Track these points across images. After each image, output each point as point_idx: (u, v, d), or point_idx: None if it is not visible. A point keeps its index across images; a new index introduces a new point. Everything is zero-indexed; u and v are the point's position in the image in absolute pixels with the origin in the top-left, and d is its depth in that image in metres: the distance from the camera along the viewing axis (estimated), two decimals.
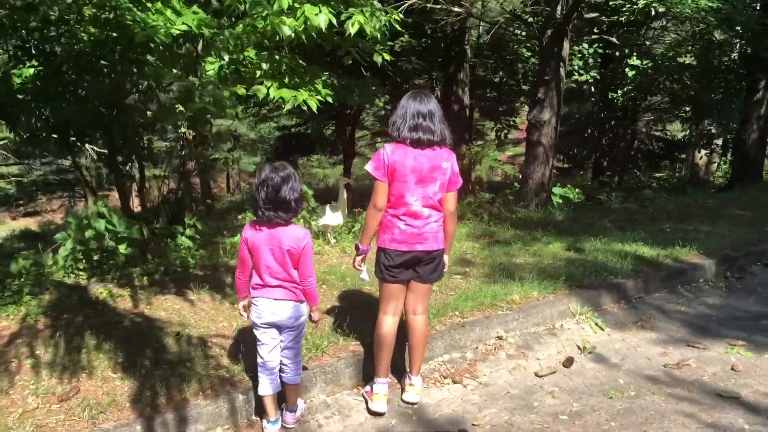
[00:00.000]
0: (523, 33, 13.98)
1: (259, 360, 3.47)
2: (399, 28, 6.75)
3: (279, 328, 3.43)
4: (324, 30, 5.45)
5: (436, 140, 3.65)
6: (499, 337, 4.84)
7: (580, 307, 5.36)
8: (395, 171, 3.62)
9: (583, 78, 14.97)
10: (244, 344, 4.14)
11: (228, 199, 27.62)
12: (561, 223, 8.63)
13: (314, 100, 5.86)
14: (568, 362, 4.63)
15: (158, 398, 3.51)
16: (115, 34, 5.56)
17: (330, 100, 6.05)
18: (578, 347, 4.85)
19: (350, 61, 6.30)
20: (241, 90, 5.75)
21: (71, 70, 5.71)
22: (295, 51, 6.64)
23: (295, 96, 5.73)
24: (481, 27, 15.27)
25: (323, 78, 6.62)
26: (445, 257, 3.91)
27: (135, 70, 5.62)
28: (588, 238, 7.38)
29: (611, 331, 5.23)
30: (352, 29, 5.46)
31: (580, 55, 14.66)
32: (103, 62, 5.63)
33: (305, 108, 5.79)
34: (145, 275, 5.34)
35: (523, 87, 16.68)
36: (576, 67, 14.88)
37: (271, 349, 3.46)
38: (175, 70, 5.70)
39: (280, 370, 3.54)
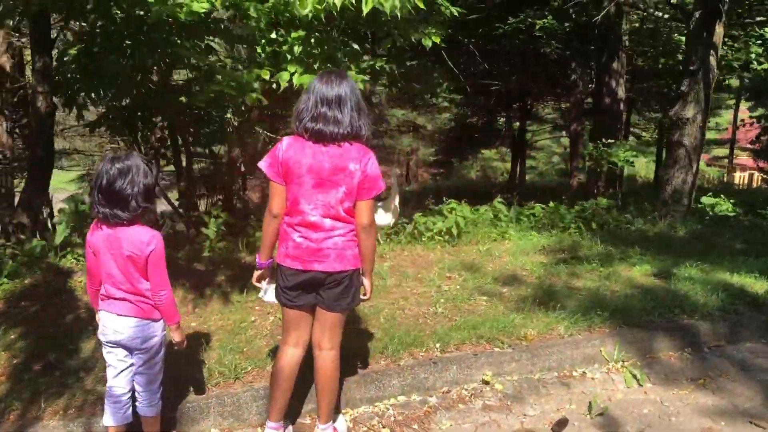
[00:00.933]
0: (666, 15, 12.05)
1: (107, 384, 2.92)
2: (454, 12, 5.88)
3: (127, 348, 2.84)
4: (338, 9, 4.77)
5: (341, 133, 2.86)
6: (485, 381, 3.88)
7: (618, 351, 4.21)
8: (289, 170, 2.90)
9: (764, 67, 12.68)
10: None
11: (405, 189, 27.52)
12: (675, 241, 7.18)
13: None
14: (559, 425, 3.57)
15: (9, 413, 3.09)
16: (140, 12, 5.28)
17: (361, 86, 5.31)
18: (589, 405, 3.73)
19: (389, 45, 5.55)
20: (264, 73, 5.24)
21: (105, 48, 5.53)
22: (342, 32, 6.01)
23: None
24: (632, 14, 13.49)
25: (364, 63, 5.94)
26: (365, 281, 3.09)
27: (154, 49, 5.28)
28: (693, 262, 6.02)
29: (652, 388, 4.04)
30: (365, 7, 4.71)
31: (760, 41, 12.41)
32: (128, 42, 5.37)
33: None
34: None
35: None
36: (754, 55, 12.64)
37: (117, 373, 2.91)
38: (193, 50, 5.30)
39: (134, 399, 2.95)
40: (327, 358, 3.09)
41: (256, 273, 3.14)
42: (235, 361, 3.69)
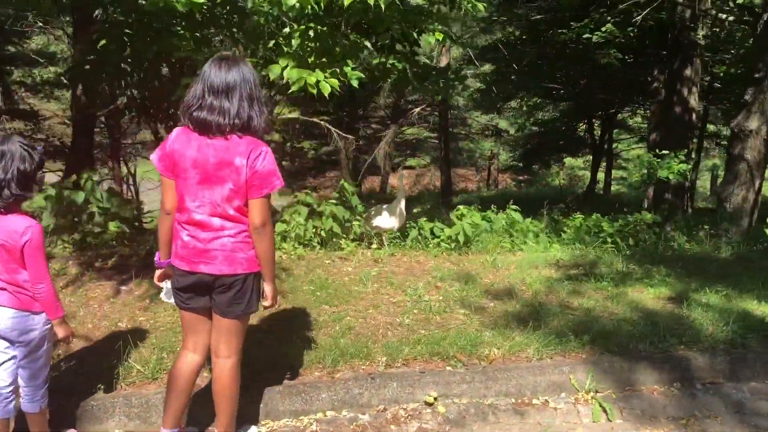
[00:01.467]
0: (731, 18, 11.11)
1: None
2: (479, 7, 5.56)
3: (7, 340, 2.74)
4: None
5: (228, 124, 2.65)
6: (427, 403, 3.58)
7: (591, 380, 3.82)
8: (175, 163, 2.73)
9: None
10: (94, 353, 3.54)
11: (478, 194, 27.06)
12: (711, 263, 6.57)
13: (330, 83, 4.99)
14: None
15: None
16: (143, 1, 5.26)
17: (355, 84, 5.11)
18: None
19: (387, 41, 5.29)
20: (255, 62, 5.11)
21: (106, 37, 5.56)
22: (352, 28, 5.81)
23: (303, 77, 4.91)
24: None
25: (375, 60, 5.70)
26: (266, 287, 2.87)
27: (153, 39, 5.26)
28: (720, 287, 5.44)
29: (621, 424, 3.64)
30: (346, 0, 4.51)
31: None
32: (127, 30, 5.37)
33: (314, 91, 4.93)
34: (112, 257, 5.01)
35: None
36: None
37: None
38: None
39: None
40: (224, 367, 2.89)
41: (157, 272, 2.97)
42: (160, 360, 3.54)
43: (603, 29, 11.43)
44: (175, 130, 2.78)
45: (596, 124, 24.21)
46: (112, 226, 5.28)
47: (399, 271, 5.57)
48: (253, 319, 4.24)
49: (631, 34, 11.60)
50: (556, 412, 3.69)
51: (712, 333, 4.46)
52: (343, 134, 27.08)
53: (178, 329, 4.01)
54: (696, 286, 5.56)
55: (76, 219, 5.15)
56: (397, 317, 4.45)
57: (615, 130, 24.68)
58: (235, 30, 5.58)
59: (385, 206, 6.30)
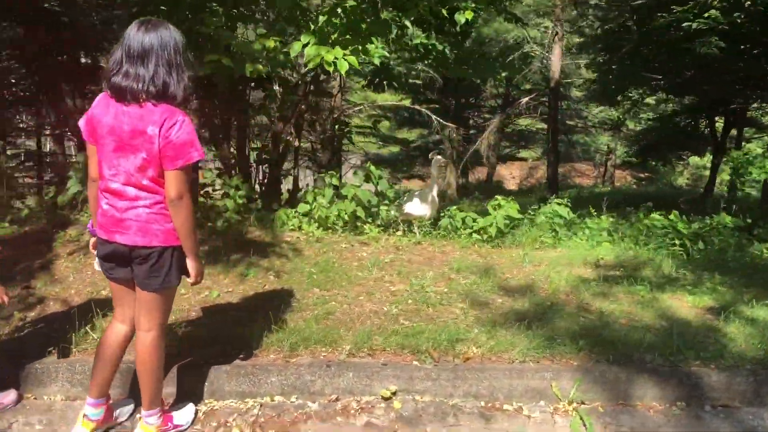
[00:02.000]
0: None
1: None
2: None
3: None
4: None
5: (141, 90, 2.58)
6: (384, 397, 3.39)
7: (576, 390, 3.48)
8: (94, 130, 2.68)
9: None
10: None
11: (589, 190, 26.03)
12: None
13: (349, 61, 4.85)
14: None
15: None
16: None
17: (377, 62, 4.94)
18: None
19: (412, 17, 5.06)
20: (270, 43, 5.03)
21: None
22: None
23: (320, 54, 4.79)
24: None
25: (417, 40, 5.48)
26: (189, 263, 2.78)
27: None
28: None
29: None
30: None
31: None
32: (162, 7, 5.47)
33: (330, 69, 4.81)
34: None
35: None
36: None
37: None
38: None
39: None
40: (144, 341, 2.84)
41: (91, 240, 2.95)
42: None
43: (705, 15, 10.50)
44: (99, 96, 2.72)
45: (719, 120, 22.45)
46: None
47: (416, 260, 5.34)
48: (232, 297, 4.19)
49: (738, 21, 10.54)
50: (529, 420, 3.37)
51: (742, 350, 3.94)
52: (444, 122, 26.77)
53: None
54: (749, 297, 4.95)
55: None
56: (386, 306, 4.24)
57: (745, 128, 22.71)
58: (265, 6, 5.52)
59: (417, 192, 6.07)
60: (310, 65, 4.96)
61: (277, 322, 3.79)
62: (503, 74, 6.43)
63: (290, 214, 5.80)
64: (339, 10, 5.21)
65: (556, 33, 21.49)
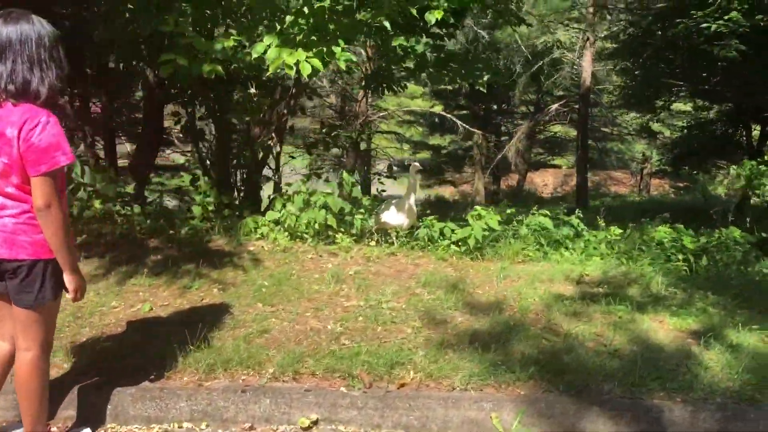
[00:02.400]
0: None
1: None
2: None
3: None
4: None
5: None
6: (304, 427, 3.12)
7: (519, 422, 3.18)
8: None
9: None
10: None
11: (622, 199, 25.39)
12: None
13: (312, 63, 4.60)
14: None
15: None
16: None
17: (342, 66, 4.68)
18: None
19: (380, 18, 4.78)
20: (229, 43, 4.81)
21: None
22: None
23: (281, 57, 4.56)
24: None
25: (414, 42, 5.21)
26: (66, 278, 2.54)
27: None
28: None
29: None
30: None
31: None
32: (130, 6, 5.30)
33: (291, 72, 4.57)
34: (81, 235, 4.96)
35: None
36: None
37: None
38: None
39: None
40: (21, 361, 2.62)
41: None
42: None
43: (726, 17, 9.98)
44: None
45: (756, 128, 21.59)
46: (97, 204, 5.23)
47: (384, 272, 5.05)
48: (165, 311, 3.96)
49: (761, 24, 10.00)
50: None
51: (716, 380, 3.58)
52: (471, 129, 26.47)
53: (81, 314, 3.83)
54: (740, 320, 4.56)
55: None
56: (331, 323, 3.97)
57: None
58: (234, 7, 5.31)
59: (394, 201, 5.78)
60: (271, 68, 4.72)
61: (200, 340, 3.54)
62: (485, 78, 6.12)
63: (260, 222, 5.57)
64: (306, 10, 4.96)
65: (587, 38, 20.99)
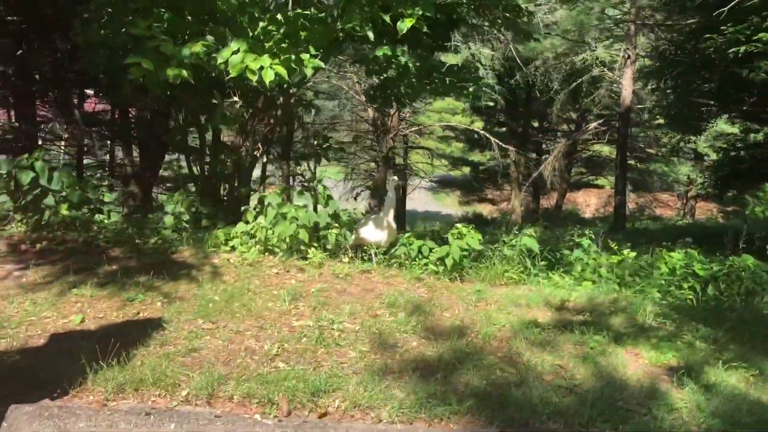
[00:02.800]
0: None
1: None
2: None
3: None
4: None
5: None
6: None
7: None
8: None
9: None
10: None
11: (662, 223, 24.71)
12: None
13: (277, 71, 4.44)
14: None
15: None
16: None
17: (309, 72, 4.51)
18: None
19: (350, 24, 4.58)
20: (196, 47, 4.67)
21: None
22: None
23: (244, 63, 4.41)
24: None
25: (381, 52, 5.02)
26: None
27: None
28: (764, 368, 4.08)
29: None
30: None
31: None
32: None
33: (253, 78, 4.41)
34: (42, 241, 4.86)
35: None
36: None
37: None
38: None
39: None
40: None
41: None
42: None
43: (755, 37, 9.47)
44: None
45: None
46: (63, 209, 5.14)
47: (350, 291, 4.83)
48: (97, 324, 3.81)
49: None
50: None
51: (678, 425, 3.25)
52: (505, 146, 26.07)
53: (8, 323, 3.70)
54: (727, 357, 4.19)
55: (26, 199, 5.08)
56: (270, 344, 3.76)
57: None
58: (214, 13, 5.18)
59: (372, 216, 5.55)
60: (233, 72, 4.57)
61: (118, 356, 3.36)
62: (471, 91, 5.87)
63: (233, 234, 5.40)
64: (280, 17, 4.80)
65: (628, 56, 20.49)
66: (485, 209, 33.82)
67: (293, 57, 4.65)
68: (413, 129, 26.06)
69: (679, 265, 6.47)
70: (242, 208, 5.51)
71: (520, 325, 4.45)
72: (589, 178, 33.81)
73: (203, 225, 5.83)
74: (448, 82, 5.90)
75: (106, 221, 5.53)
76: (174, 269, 4.83)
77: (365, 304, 4.61)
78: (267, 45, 4.76)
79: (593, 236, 7.54)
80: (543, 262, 6.87)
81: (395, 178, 5.49)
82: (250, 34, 4.88)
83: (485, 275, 5.45)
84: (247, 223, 5.41)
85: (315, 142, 6.91)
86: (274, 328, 3.98)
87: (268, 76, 4.49)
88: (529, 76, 23.44)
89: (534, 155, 30.68)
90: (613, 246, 7.29)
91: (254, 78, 4.52)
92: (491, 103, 28.05)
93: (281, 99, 6.41)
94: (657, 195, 35.99)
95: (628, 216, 28.86)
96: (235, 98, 6.05)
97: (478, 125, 30.65)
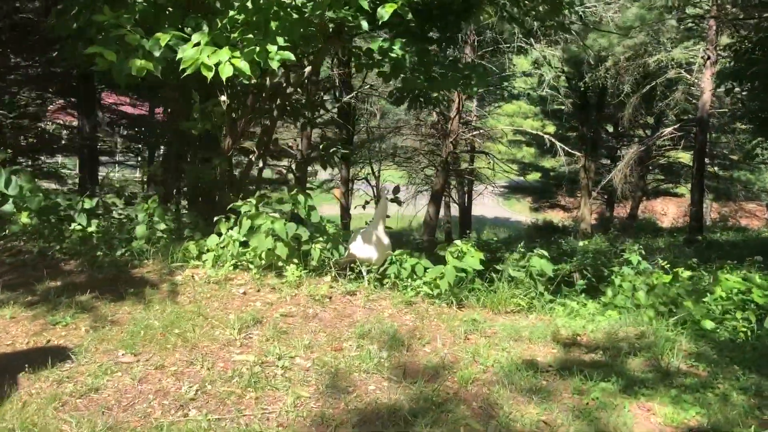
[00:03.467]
0: None
1: None
2: None
3: None
4: None
5: None
6: None
7: None
8: None
9: None
10: None
11: (744, 236, 23.21)
12: None
13: (236, 65, 3.90)
14: None
15: None
16: None
17: (274, 66, 3.94)
18: None
19: (320, 11, 3.97)
20: (164, 38, 4.17)
21: None
22: None
23: (198, 58, 3.89)
24: None
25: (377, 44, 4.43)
26: None
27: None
28: None
29: None
30: None
31: None
32: None
33: (209, 75, 3.88)
34: None
35: None
36: None
37: None
38: None
39: None
40: None
41: None
42: None
43: None
44: None
45: None
46: (23, 218, 4.74)
47: (321, 317, 4.21)
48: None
49: None
50: None
51: None
52: (571, 151, 24.93)
53: None
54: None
55: None
56: (188, 384, 3.17)
57: None
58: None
59: (362, 230, 4.92)
60: (189, 70, 4.03)
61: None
62: (474, 88, 5.18)
63: (205, 247, 4.87)
64: (250, 5, 4.23)
65: (708, 57, 19.12)
66: (556, 216, 32.93)
67: (257, 49, 4.07)
68: (474, 133, 25.23)
69: (736, 289, 5.54)
70: (215, 219, 4.97)
71: (511, 365, 3.72)
72: (666, 186, 32.27)
73: (186, 235, 5.34)
74: (450, 76, 5.20)
75: (77, 230, 5.10)
76: (126, 287, 4.33)
77: (332, 333, 3.97)
78: (232, 36, 4.20)
79: (642, 251, 6.67)
80: (581, 282, 6.09)
81: (386, 186, 4.82)
82: (219, 24, 4.34)
83: (487, 300, 4.72)
84: (219, 235, 4.87)
85: (321, 147, 6.31)
86: (205, 364, 3.40)
87: (225, 72, 3.95)
88: (599, 78, 22.34)
89: (608, 161, 29.37)
90: (663, 264, 6.38)
91: (209, 74, 3.98)
92: (562, 107, 26.97)
93: (278, 100, 5.85)
94: (742, 204, 34.13)
95: (709, 227, 27.15)
96: (223, 97, 5.54)
97: (550, 129, 29.57)
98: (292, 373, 3.41)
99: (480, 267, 4.65)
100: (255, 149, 5.90)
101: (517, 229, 31.56)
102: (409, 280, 4.79)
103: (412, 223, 25.59)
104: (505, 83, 26.76)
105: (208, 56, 4.00)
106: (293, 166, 6.48)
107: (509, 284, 4.88)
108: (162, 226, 5.15)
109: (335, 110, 19.62)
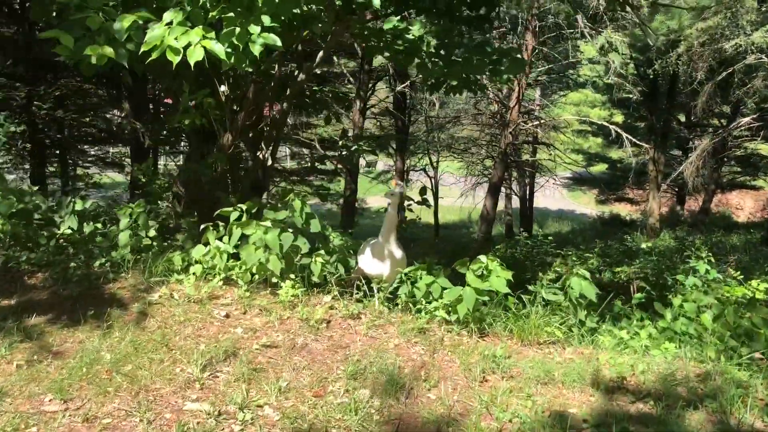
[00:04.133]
0: None
1: None
2: None
3: None
4: None
5: None
6: None
7: None
8: None
9: None
10: None
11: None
12: None
13: (208, 48, 3.27)
14: None
15: None
16: None
17: (256, 51, 3.29)
18: None
19: None
20: (125, 22, 3.54)
21: None
22: None
23: (163, 40, 3.26)
24: None
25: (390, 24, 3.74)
26: None
27: None
28: None
29: None
30: None
31: None
32: None
33: (175, 59, 3.25)
34: None
35: None
36: None
37: None
38: None
39: None
40: None
41: None
42: None
43: None
44: None
45: None
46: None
47: (312, 348, 3.53)
48: None
49: None
50: None
51: None
52: (638, 142, 23.65)
53: None
54: None
55: None
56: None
57: None
58: None
59: (371, 242, 4.20)
60: (153, 54, 3.40)
61: None
62: (504, 75, 4.37)
63: (194, 259, 4.25)
64: None
65: None
66: (624, 209, 31.66)
67: (237, 30, 3.39)
68: (535, 123, 24.13)
69: None
70: (201, 227, 4.33)
71: (534, 421, 2.95)
72: (743, 179, 30.42)
73: (178, 244, 4.74)
74: (475, 61, 4.40)
75: (62, 234, 4.58)
76: (90, 307, 3.74)
77: (319, 372, 3.29)
78: (210, 15, 3.54)
79: (711, 258, 5.74)
80: (639, 296, 5.26)
81: (396, 190, 4.07)
82: (200, 2, 3.67)
83: (516, 327, 3.93)
84: (206, 245, 4.24)
85: (340, 143, 5.62)
86: (146, 416, 2.76)
87: (195, 56, 3.30)
88: (670, 65, 20.92)
89: (679, 153, 27.82)
90: (736, 274, 5.42)
91: (176, 59, 3.34)
92: (630, 96, 25.59)
93: (288, 90, 5.17)
94: None
95: None
96: (223, 88, 4.91)
97: (618, 119, 28.18)
98: (253, 429, 2.74)
99: (506, 290, 3.86)
100: (263, 146, 5.26)
101: (583, 223, 30.43)
102: (423, 301, 4.04)
103: (471, 214, 24.72)
104: (570, 71, 25.66)
105: (176, 38, 3.37)
106: (313, 161, 5.81)
107: (544, 308, 4.08)
108: (152, 233, 4.58)
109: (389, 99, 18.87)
